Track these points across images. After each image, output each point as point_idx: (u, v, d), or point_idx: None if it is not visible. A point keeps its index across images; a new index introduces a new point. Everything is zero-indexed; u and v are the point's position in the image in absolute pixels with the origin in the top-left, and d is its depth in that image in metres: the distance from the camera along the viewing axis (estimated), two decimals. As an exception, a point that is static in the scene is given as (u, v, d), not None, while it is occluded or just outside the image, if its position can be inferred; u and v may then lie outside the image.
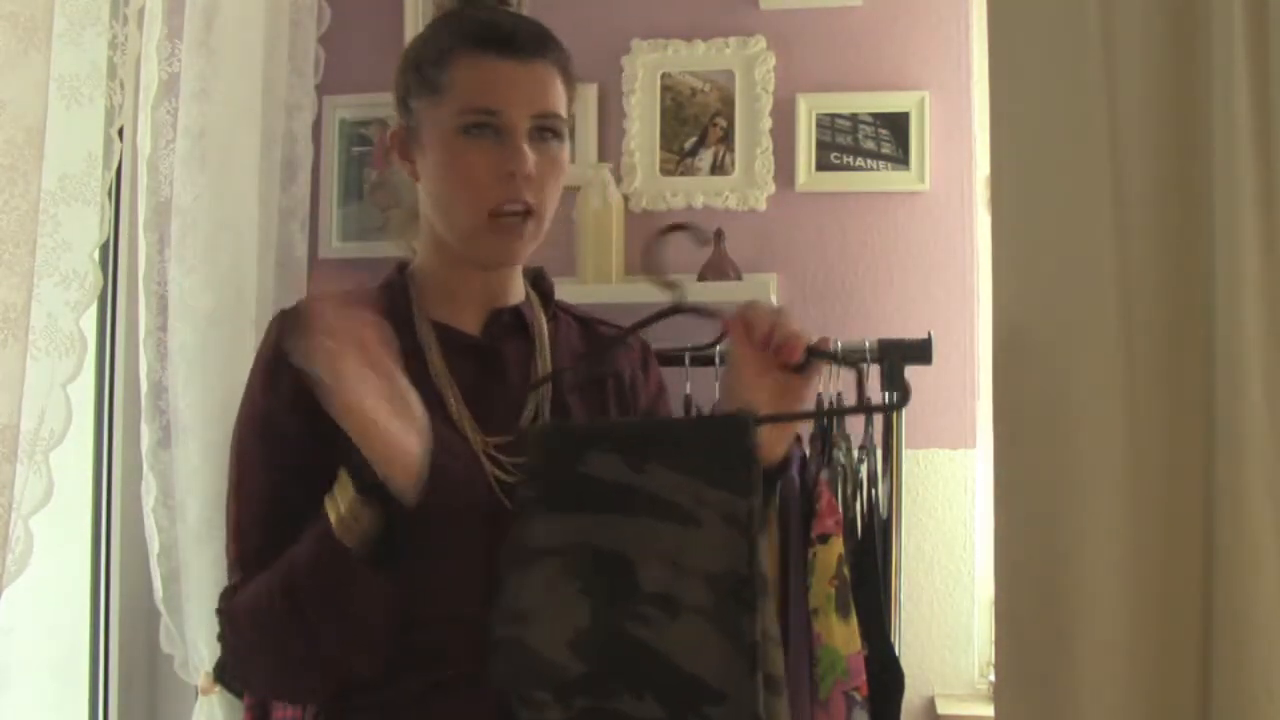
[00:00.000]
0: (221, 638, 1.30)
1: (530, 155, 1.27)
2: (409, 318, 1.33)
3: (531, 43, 1.30)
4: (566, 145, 1.33)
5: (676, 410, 1.66)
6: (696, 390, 2.27)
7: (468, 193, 1.29)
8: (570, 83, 1.34)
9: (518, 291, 1.40)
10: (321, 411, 1.11)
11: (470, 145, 1.28)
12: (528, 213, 1.29)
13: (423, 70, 1.31)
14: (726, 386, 1.28)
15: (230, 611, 1.27)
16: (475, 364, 1.33)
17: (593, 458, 1.15)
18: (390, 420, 1.10)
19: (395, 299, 1.35)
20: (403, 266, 1.40)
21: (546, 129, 1.30)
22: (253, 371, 1.31)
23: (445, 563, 1.22)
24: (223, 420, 1.97)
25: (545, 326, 1.40)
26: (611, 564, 1.12)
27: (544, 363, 1.37)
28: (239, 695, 2.25)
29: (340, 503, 1.16)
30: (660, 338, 2.28)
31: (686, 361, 2.25)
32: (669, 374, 2.23)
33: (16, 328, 1.62)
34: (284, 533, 1.21)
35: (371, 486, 1.13)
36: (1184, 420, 1.67)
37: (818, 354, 1.21)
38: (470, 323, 1.36)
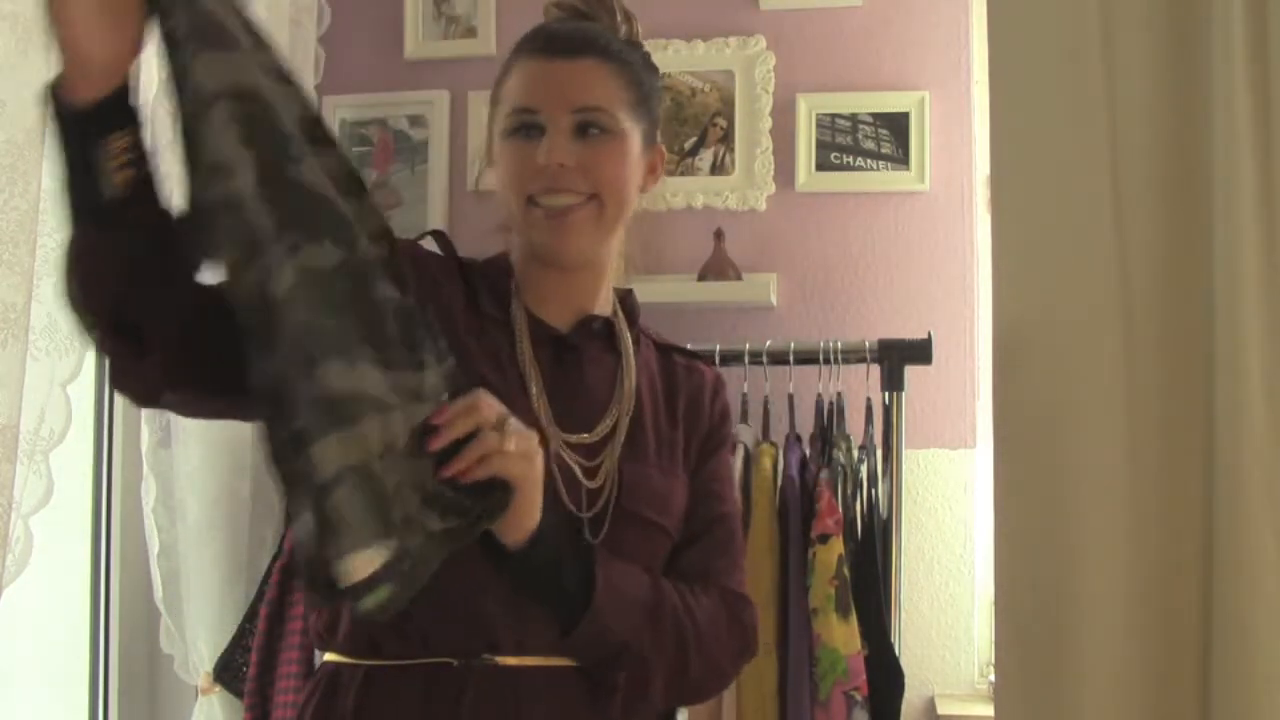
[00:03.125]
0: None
1: (562, 146, 1.28)
2: (506, 295, 1.35)
3: (575, 42, 1.32)
4: (622, 139, 1.32)
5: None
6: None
7: (508, 189, 1.32)
8: (634, 80, 1.34)
9: (605, 303, 1.41)
10: None
11: (513, 145, 1.31)
12: (587, 200, 1.30)
13: (495, 88, 1.36)
14: None
15: None
16: (555, 358, 1.34)
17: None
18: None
19: (498, 276, 1.36)
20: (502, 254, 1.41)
21: (590, 123, 1.30)
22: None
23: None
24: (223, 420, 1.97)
25: (631, 343, 1.40)
26: (256, 105, 1.05)
27: (629, 378, 1.37)
28: (239, 695, 2.25)
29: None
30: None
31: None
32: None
33: (16, 328, 1.62)
34: None
35: None
36: (1184, 421, 1.68)
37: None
38: (560, 323, 1.37)
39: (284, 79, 1.09)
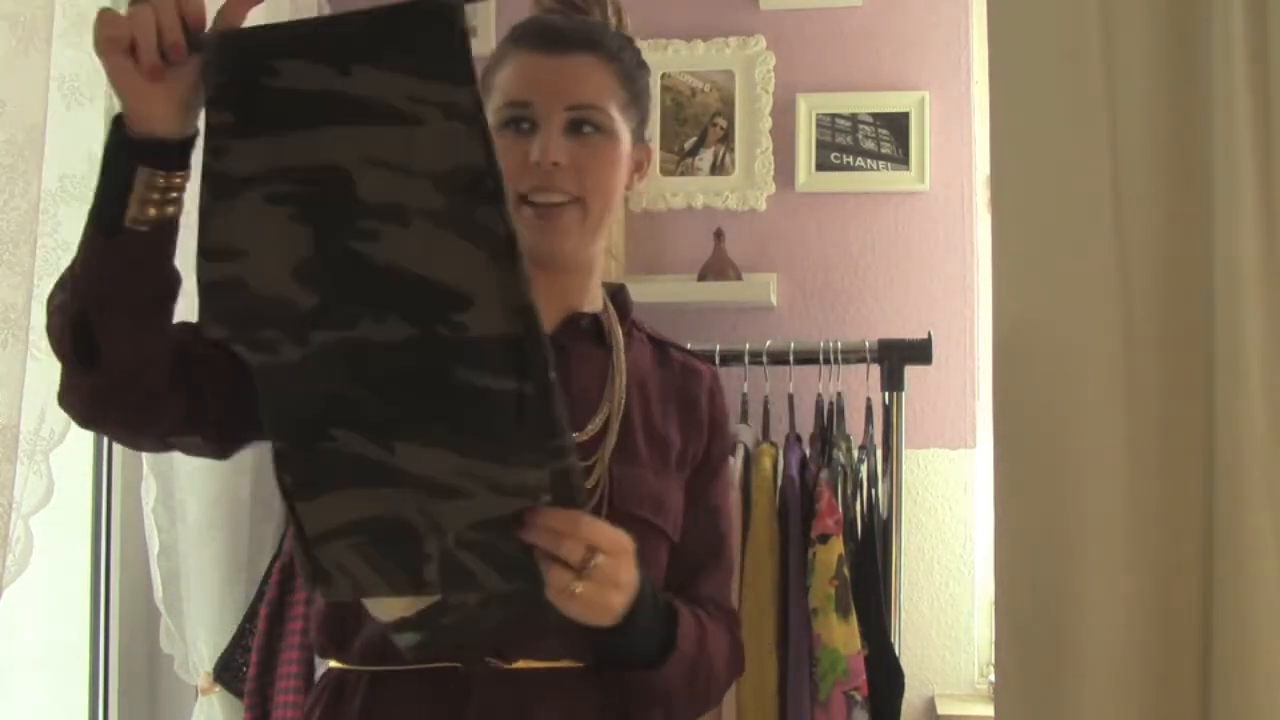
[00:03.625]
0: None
1: (556, 144, 1.26)
2: None
3: (570, 37, 1.30)
4: (613, 138, 1.30)
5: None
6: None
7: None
8: (626, 77, 1.33)
9: (595, 300, 1.38)
10: None
11: (506, 138, 1.27)
12: (572, 202, 1.28)
13: (485, 76, 1.32)
14: None
15: None
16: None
17: (285, 67, 1.01)
18: None
19: None
20: None
21: (584, 120, 1.29)
22: None
23: None
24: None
25: (621, 339, 1.38)
26: (325, 181, 1.01)
27: (620, 375, 1.34)
28: (239, 695, 2.25)
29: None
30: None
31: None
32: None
33: (16, 328, 1.62)
34: None
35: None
36: (1184, 420, 1.68)
37: None
38: (546, 322, 1.33)
39: (427, 134, 1.00)
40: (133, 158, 1.05)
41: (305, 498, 1.06)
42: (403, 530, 1.05)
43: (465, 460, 1.03)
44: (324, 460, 1.05)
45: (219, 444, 1.23)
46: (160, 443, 1.23)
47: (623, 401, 1.33)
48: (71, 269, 1.10)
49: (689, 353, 1.46)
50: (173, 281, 1.10)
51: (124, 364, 1.09)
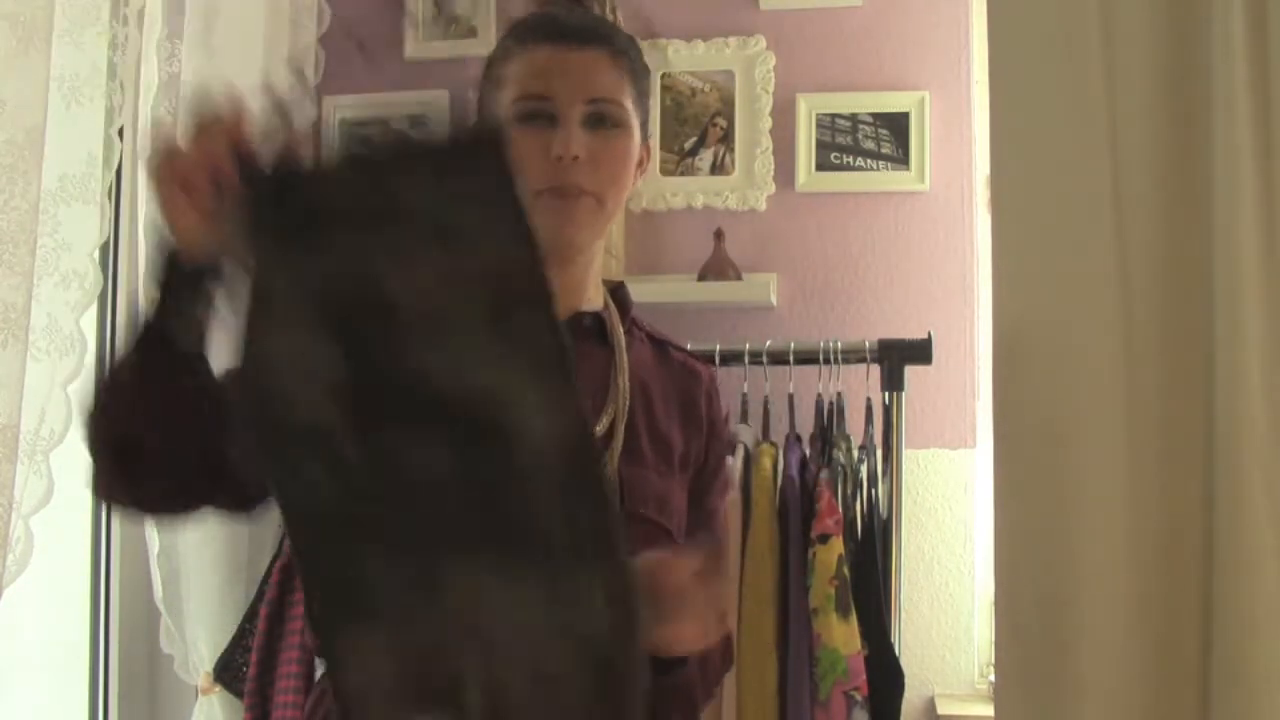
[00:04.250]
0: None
1: (577, 138, 1.26)
2: None
3: (585, 31, 1.30)
4: (629, 133, 1.31)
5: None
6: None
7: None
8: (634, 73, 1.33)
9: (597, 297, 1.38)
10: None
11: (524, 132, 1.26)
12: (581, 195, 1.27)
13: (491, 68, 1.32)
14: None
15: None
16: None
17: (328, 184, 1.00)
18: None
19: None
20: None
21: (601, 115, 1.28)
22: None
23: None
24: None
25: (623, 338, 1.37)
26: (364, 298, 0.98)
27: (623, 374, 1.34)
28: (239, 695, 2.25)
29: None
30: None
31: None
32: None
33: (16, 328, 1.62)
34: None
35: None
36: (1184, 421, 1.68)
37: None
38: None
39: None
40: (182, 284, 1.08)
41: (337, 624, 1.01)
42: (443, 663, 0.99)
43: (513, 586, 0.98)
44: (356, 587, 1.00)
45: (243, 509, 1.22)
46: (185, 515, 1.24)
47: (627, 402, 1.32)
48: (111, 389, 1.12)
49: (688, 353, 1.46)
50: (215, 391, 1.11)
51: (164, 472, 1.12)
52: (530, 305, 0.97)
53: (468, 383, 0.97)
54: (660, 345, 1.43)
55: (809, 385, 2.27)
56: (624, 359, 1.35)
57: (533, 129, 1.27)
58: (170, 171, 1.02)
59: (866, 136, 2.58)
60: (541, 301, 0.97)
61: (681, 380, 1.41)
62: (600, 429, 1.30)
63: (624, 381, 1.33)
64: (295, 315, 0.99)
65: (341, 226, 0.99)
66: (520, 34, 1.32)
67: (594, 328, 1.36)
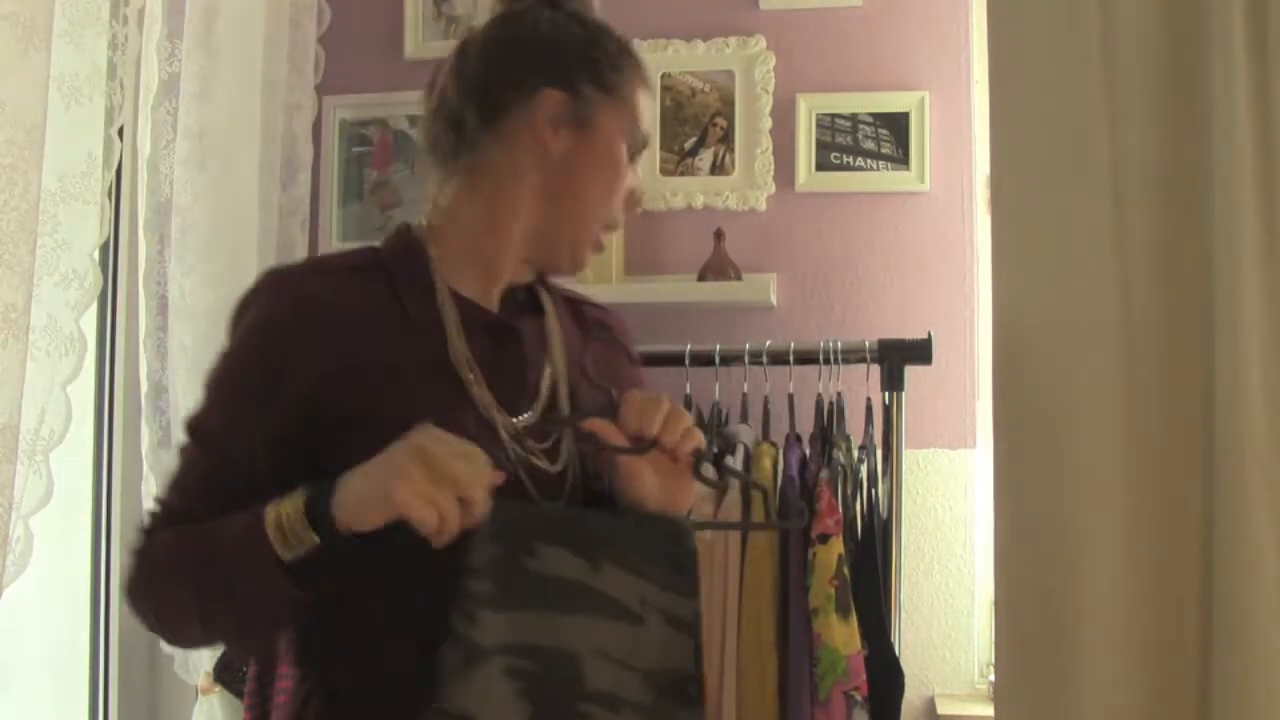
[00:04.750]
0: (135, 565, 1.25)
1: None
2: (428, 285, 1.29)
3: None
4: None
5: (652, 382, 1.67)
6: (697, 390, 2.27)
7: (603, 207, 1.34)
8: None
9: (522, 269, 1.38)
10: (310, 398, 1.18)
11: (627, 166, 1.34)
12: None
13: (600, 64, 1.32)
14: (618, 473, 1.25)
15: (148, 551, 1.24)
16: (493, 342, 1.29)
17: (545, 552, 1.15)
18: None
19: (410, 263, 1.30)
20: (406, 229, 1.34)
21: None
22: (245, 331, 1.26)
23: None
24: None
25: (552, 306, 1.38)
26: (556, 663, 1.13)
27: (557, 342, 1.35)
28: (239, 695, 2.25)
29: (285, 516, 1.13)
30: (661, 338, 2.29)
31: (686, 361, 2.26)
32: (670, 373, 2.25)
33: (16, 328, 1.62)
34: (220, 503, 1.19)
35: (323, 519, 1.12)
36: (1184, 420, 1.68)
37: (730, 472, 1.28)
38: (488, 297, 1.33)
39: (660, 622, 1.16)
40: (334, 540, 1.12)
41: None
42: None
43: None
44: None
45: None
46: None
47: (565, 368, 1.34)
48: (218, 600, 1.17)
49: (598, 305, 1.47)
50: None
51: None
52: (686, 699, 1.16)
53: None
54: (574, 304, 1.44)
55: (809, 385, 2.27)
56: (556, 325, 1.37)
57: (630, 166, 1.35)
58: (431, 511, 1.08)
59: (866, 136, 2.58)
60: (697, 698, 1.16)
61: (600, 334, 1.42)
62: (544, 400, 1.31)
63: (560, 348, 1.35)
64: (495, 662, 1.11)
65: (548, 584, 1.14)
66: (631, 57, 1.35)
67: (526, 299, 1.37)
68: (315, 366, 1.21)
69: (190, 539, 1.20)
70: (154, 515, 1.26)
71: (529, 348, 1.33)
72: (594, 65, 1.32)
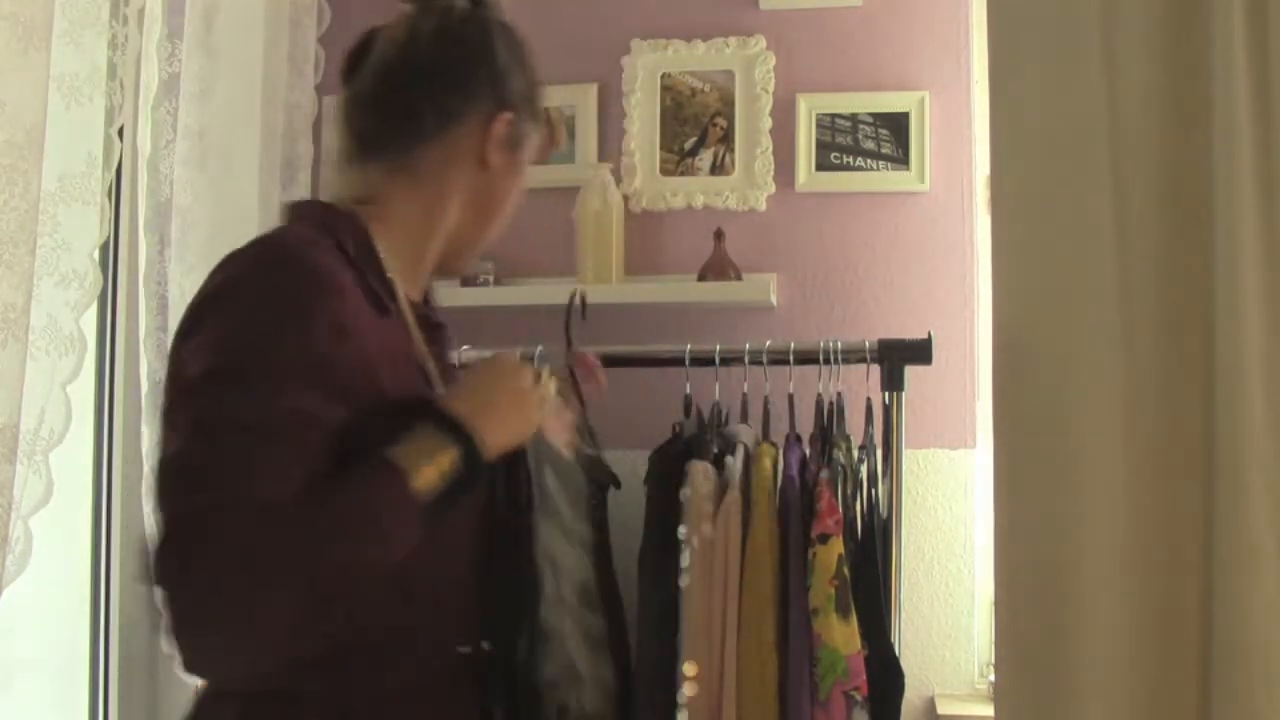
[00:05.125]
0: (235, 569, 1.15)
1: None
2: (386, 278, 1.29)
3: None
4: None
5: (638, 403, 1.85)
6: (697, 390, 2.27)
7: (507, 203, 1.41)
8: None
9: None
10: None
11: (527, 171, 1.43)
12: None
13: (537, 90, 1.43)
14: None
15: (251, 548, 1.13)
16: (427, 338, 1.36)
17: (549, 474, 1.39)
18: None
19: (371, 256, 1.28)
20: (352, 217, 1.31)
21: None
22: (273, 306, 1.17)
23: (448, 530, 1.21)
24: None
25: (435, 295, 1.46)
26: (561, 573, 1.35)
27: (447, 336, 1.44)
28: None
29: (444, 469, 1.16)
30: (661, 337, 2.29)
31: (686, 361, 2.26)
32: (670, 373, 2.25)
33: (16, 328, 1.62)
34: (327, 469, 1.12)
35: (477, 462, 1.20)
36: (1184, 421, 1.68)
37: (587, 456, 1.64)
38: (415, 292, 1.37)
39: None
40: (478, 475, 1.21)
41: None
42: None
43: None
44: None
45: None
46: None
47: (434, 362, 1.38)
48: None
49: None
50: None
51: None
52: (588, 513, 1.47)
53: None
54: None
55: (809, 385, 2.27)
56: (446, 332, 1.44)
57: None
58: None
59: (866, 136, 2.58)
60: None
61: (441, 333, 1.45)
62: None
63: (447, 339, 1.44)
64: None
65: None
66: (535, 69, 1.43)
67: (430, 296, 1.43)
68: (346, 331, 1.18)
69: (330, 515, 1.11)
70: (234, 514, 1.12)
71: (447, 345, 1.42)
72: (532, 91, 1.41)
